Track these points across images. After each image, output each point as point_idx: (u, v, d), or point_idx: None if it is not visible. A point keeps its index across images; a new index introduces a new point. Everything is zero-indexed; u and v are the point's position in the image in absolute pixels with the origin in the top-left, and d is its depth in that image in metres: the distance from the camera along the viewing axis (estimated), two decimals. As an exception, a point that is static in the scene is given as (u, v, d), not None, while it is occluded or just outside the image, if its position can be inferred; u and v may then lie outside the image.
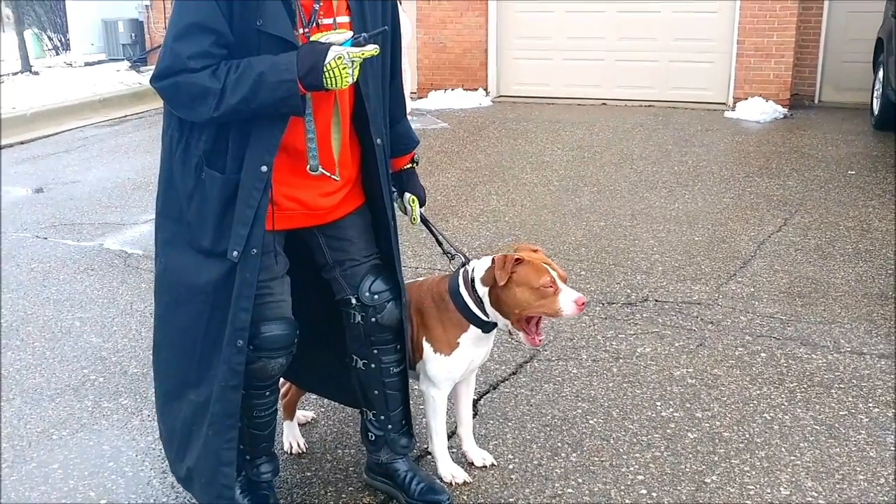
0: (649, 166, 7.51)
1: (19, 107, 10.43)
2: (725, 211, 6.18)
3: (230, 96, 2.19)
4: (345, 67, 2.20)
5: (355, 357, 2.71)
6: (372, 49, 2.24)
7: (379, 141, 2.53)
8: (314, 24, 2.31)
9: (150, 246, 5.49)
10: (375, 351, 2.67)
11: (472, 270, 2.73)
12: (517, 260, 2.60)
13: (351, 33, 2.29)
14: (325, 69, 2.18)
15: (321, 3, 2.32)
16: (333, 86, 2.22)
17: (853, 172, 7.20)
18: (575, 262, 5.15)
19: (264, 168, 2.31)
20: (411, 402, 2.86)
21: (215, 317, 2.41)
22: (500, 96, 11.54)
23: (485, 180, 7.18)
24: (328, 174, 2.43)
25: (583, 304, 2.57)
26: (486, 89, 11.38)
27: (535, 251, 2.71)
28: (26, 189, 7.30)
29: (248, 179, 2.31)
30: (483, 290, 2.67)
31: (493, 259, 2.66)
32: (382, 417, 2.75)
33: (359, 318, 2.63)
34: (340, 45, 2.23)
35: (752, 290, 4.68)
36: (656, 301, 4.54)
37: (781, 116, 9.75)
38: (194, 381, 2.49)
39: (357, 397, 2.81)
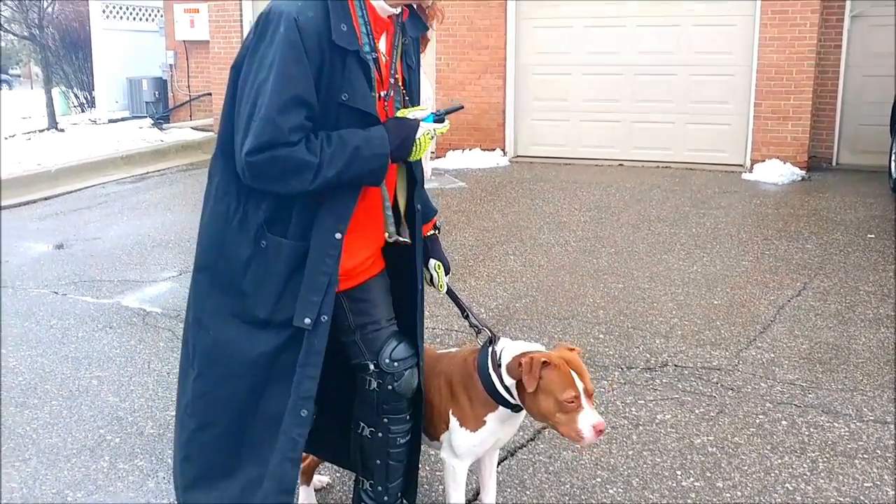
0: (667, 228, 7.52)
1: (44, 163, 10.60)
2: (744, 274, 6.15)
3: (326, 170, 2.19)
4: (428, 141, 2.34)
5: (362, 424, 2.60)
6: (446, 125, 2.38)
7: (419, 206, 2.56)
8: (391, 96, 2.37)
9: (168, 304, 5.59)
10: (386, 420, 2.57)
11: (500, 353, 2.64)
12: (545, 363, 2.50)
13: (430, 110, 2.39)
14: (414, 144, 2.32)
15: (395, 79, 2.38)
16: (415, 157, 2.36)
17: (872, 236, 7.17)
18: (593, 324, 5.13)
19: (338, 235, 2.31)
20: (428, 468, 2.83)
21: (272, 390, 2.36)
22: (518, 156, 11.62)
23: (502, 240, 7.20)
24: (402, 239, 2.46)
25: (601, 431, 2.46)
26: (503, 149, 11.47)
27: (571, 350, 2.63)
28: (48, 245, 7.38)
29: (320, 246, 2.29)
30: (510, 381, 2.59)
31: (521, 362, 2.53)
32: (380, 488, 2.64)
33: (374, 384, 2.55)
34: (423, 120, 2.35)
35: (773, 355, 4.64)
36: (676, 366, 4.50)
37: (799, 179, 9.76)
38: (247, 457, 2.40)
39: (355, 464, 2.70)
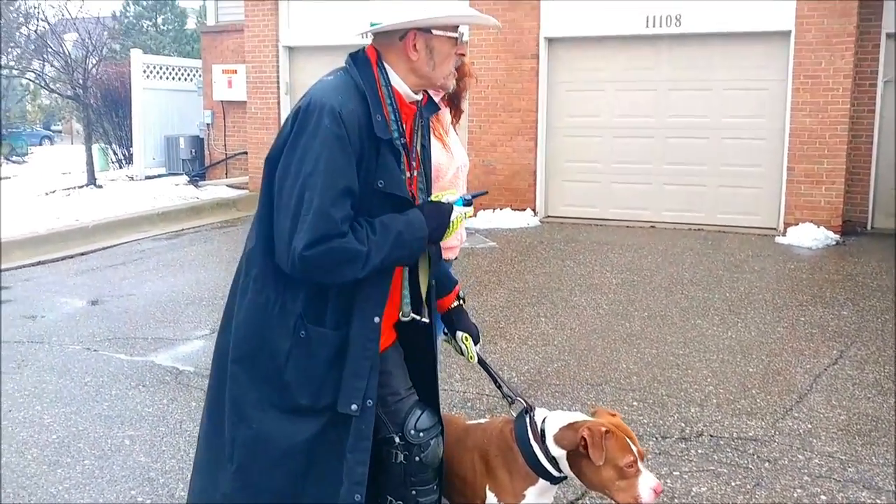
0: (700, 292, 7.46)
1: (82, 218, 10.79)
2: (779, 341, 6.07)
3: (374, 257, 2.22)
4: (460, 223, 2.43)
5: (390, 498, 2.55)
6: (472, 209, 2.49)
7: (433, 282, 2.59)
8: (415, 176, 2.44)
9: (200, 363, 5.62)
10: (414, 492, 2.52)
11: (543, 423, 2.61)
12: (606, 432, 2.48)
13: (458, 193, 2.48)
14: (449, 226, 2.40)
15: (414, 160, 2.43)
16: (447, 238, 2.42)
17: (910, 303, 7.08)
18: (627, 391, 5.07)
19: (377, 319, 2.33)
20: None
21: (313, 473, 2.36)
22: (548, 217, 11.65)
23: (533, 302, 7.18)
24: (418, 318, 2.48)
25: (659, 492, 2.46)
26: (534, 210, 11.52)
27: (613, 415, 2.62)
28: (83, 301, 7.47)
29: (361, 332, 2.31)
30: (559, 452, 2.55)
31: (583, 435, 2.49)
32: None
33: (401, 457, 2.51)
34: (454, 203, 2.43)
35: (810, 426, 4.55)
36: (711, 436, 4.42)
37: (833, 243, 9.68)
38: None
39: None
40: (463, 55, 2.50)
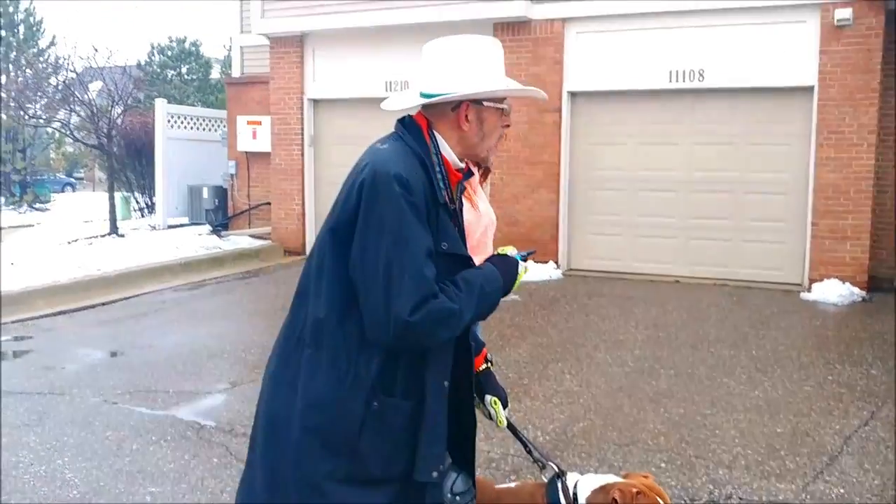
0: (726, 349, 7.37)
1: (104, 268, 10.84)
2: (808, 401, 5.96)
3: (466, 314, 2.25)
4: (522, 276, 2.46)
5: None
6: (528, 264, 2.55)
7: (472, 342, 2.56)
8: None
9: (222, 418, 5.58)
10: None
11: (575, 487, 2.59)
12: (638, 493, 2.47)
13: (515, 249, 2.50)
14: (516, 278, 2.44)
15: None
16: (513, 291, 2.45)
17: (941, 362, 6.95)
18: (654, 452, 4.98)
19: (446, 383, 2.35)
20: None
21: None
22: (571, 269, 11.61)
23: (557, 357, 7.11)
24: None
25: None
26: (556, 262, 11.47)
27: (645, 476, 2.59)
28: (105, 352, 7.47)
29: (435, 398, 2.32)
30: None
31: (614, 497, 2.48)
32: None
33: None
34: (515, 258, 2.48)
35: (842, 490, 4.44)
36: (740, 499, 4.33)
37: (860, 299, 9.57)
38: None
39: None
40: (508, 126, 2.52)
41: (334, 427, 2.29)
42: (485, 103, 2.38)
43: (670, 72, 10.80)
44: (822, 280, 9.95)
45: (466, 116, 2.36)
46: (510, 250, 2.49)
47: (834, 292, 9.57)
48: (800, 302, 9.53)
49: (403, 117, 2.45)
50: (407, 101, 2.45)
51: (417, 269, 2.16)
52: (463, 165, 2.45)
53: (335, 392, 2.28)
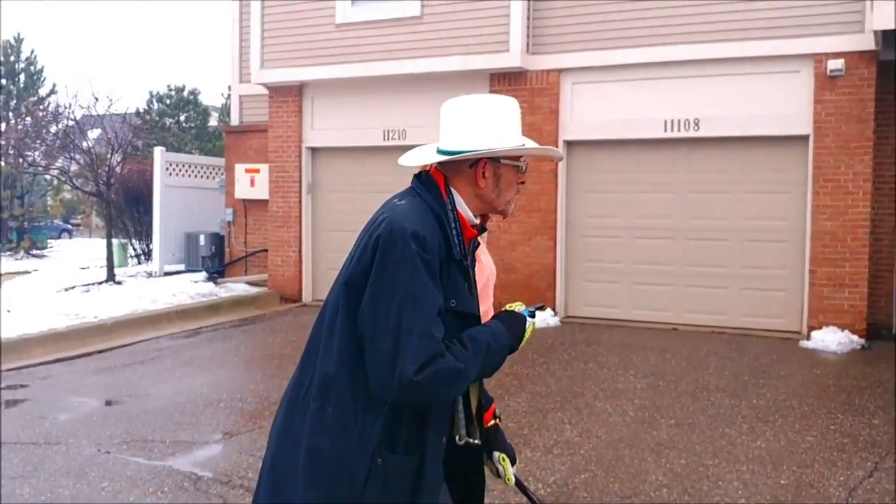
0: (727, 399, 7.32)
1: (101, 315, 10.79)
2: (810, 451, 5.92)
3: (471, 372, 2.25)
4: (531, 332, 2.48)
5: None
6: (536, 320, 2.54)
7: (483, 402, 2.57)
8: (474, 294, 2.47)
9: (219, 468, 5.52)
10: None
11: None
12: None
13: (524, 305, 2.52)
14: (525, 335, 2.45)
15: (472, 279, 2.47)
16: (521, 347, 2.46)
17: (943, 411, 6.91)
18: (657, 504, 4.92)
19: (444, 439, 2.37)
20: None
21: None
22: (569, 317, 11.58)
23: (557, 407, 7.06)
24: (472, 440, 2.46)
25: None
26: (554, 309, 11.45)
27: None
28: (100, 401, 7.40)
29: (434, 454, 2.33)
30: None
31: None
32: None
33: None
34: (524, 314, 2.49)
35: (850, 544, 4.38)
36: (747, 553, 4.26)
37: (859, 347, 9.55)
38: None
39: None
40: (523, 183, 2.55)
41: (337, 484, 2.28)
42: (502, 161, 2.41)
43: (665, 121, 10.90)
44: (820, 328, 9.93)
45: (484, 173, 2.40)
46: (518, 307, 2.50)
47: (833, 340, 9.55)
48: (799, 350, 9.50)
49: (420, 173, 2.47)
50: (425, 158, 2.47)
51: (426, 329, 2.16)
52: (478, 221, 2.47)
53: (340, 449, 2.27)
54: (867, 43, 9.68)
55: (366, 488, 2.26)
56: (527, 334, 2.46)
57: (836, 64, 9.88)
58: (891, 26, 9.06)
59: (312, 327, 2.40)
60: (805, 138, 10.24)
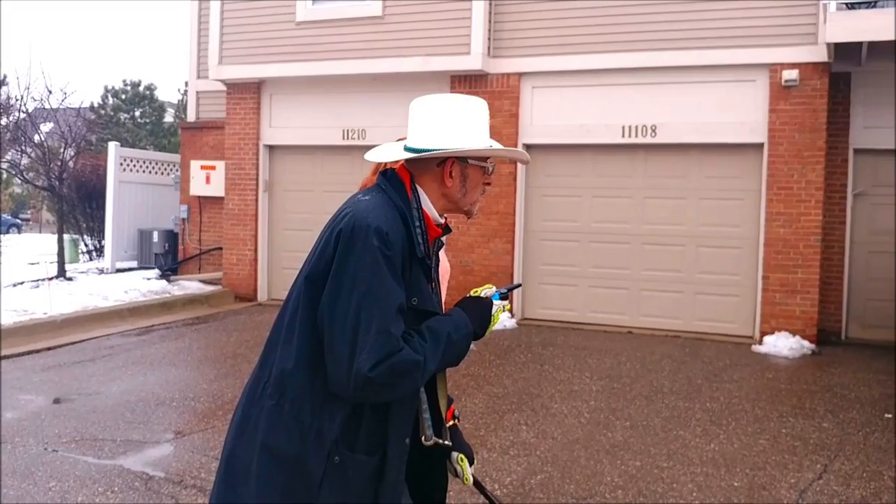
0: (681, 401, 7.39)
1: (50, 312, 10.58)
2: (763, 454, 5.99)
3: (430, 363, 2.22)
4: (499, 317, 2.47)
5: None
6: (507, 301, 2.51)
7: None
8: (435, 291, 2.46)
9: (171, 468, 5.43)
10: None
11: None
12: None
13: (494, 288, 2.51)
14: (490, 319, 2.44)
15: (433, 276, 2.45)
16: (489, 332, 2.44)
17: (889, 416, 7.05)
18: (612, 505, 4.95)
19: (407, 440, 2.34)
20: None
21: None
22: (526, 319, 11.62)
23: (513, 408, 7.06)
24: (441, 441, 2.44)
25: None
26: (511, 312, 11.48)
27: None
28: (49, 399, 7.24)
29: (395, 455, 2.29)
30: None
31: None
32: None
33: None
34: (491, 297, 2.48)
35: (801, 545, 4.44)
36: (700, 554, 4.30)
37: (809, 353, 9.71)
38: None
39: None
40: (489, 184, 2.54)
41: (293, 482, 2.24)
42: (469, 161, 2.41)
43: (623, 127, 10.99)
44: (773, 333, 10.09)
45: (451, 173, 2.39)
46: (486, 290, 2.49)
47: (785, 345, 9.70)
48: (752, 354, 9.63)
49: (386, 170, 2.45)
50: (392, 155, 2.45)
51: (384, 326, 2.14)
52: (443, 221, 2.46)
53: (296, 447, 2.24)
54: (820, 55, 9.86)
55: (322, 488, 2.23)
56: (494, 319, 2.45)
57: (790, 74, 10.05)
58: (842, 39, 9.24)
59: (273, 326, 2.37)
60: (760, 146, 10.40)
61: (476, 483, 2.70)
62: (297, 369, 2.25)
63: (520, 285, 2.78)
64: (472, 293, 2.49)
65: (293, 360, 2.25)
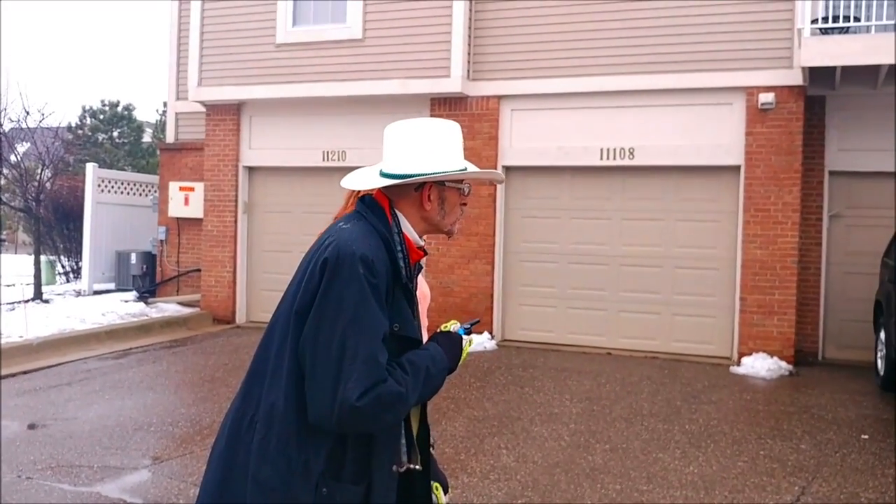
0: (660, 424, 7.41)
1: (27, 335, 10.47)
2: (741, 476, 6.02)
3: (411, 396, 2.22)
4: (468, 350, 2.51)
5: None
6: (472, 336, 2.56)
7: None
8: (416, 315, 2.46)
9: (149, 495, 5.38)
10: None
11: None
12: None
13: (458, 323, 2.54)
14: (462, 355, 2.48)
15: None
16: (459, 366, 2.47)
17: (866, 437, 7.10)
18: (592, 530, 4.95)
19: (395, 468, 2.33)
20: None
21: None
22: (505, 340, 11.63)
23: (493, 432, 7.06)
24: (413, 466, 2.43)
25: None
26: (491, 333, 11.49)
27: None
28: (24, 424, 7.15)
29: (382, 482, 2.29)
30: None
31: None
32: None
33: None
34: (459, 332, 2.51)
35: (780, 568, 4.45)
36: (680, 579, 4.30)
37: (787, 373, 9.78)
38: None
39: None
40: (465, 205, 2.56)
41: None
42: (447, 184, 2.43)
43: (602, 149, 11.07)
44: (750, 354, 10.15)
45: (429, 196, 2.41)
46: (453, 325, 2.52)
47: (763, 366, 9.76)
48: (730, 375, 9.68)
49: (363, 196, 2.46)
50: (369, 182, 2.46)
51: (371, 354, 2.14)
52: (423, 243, 2.48)
53: (284, 480, 2.23)
54: (796, 78, 10.00)
55: None
56: (464, 354, 2.48)
57: (766, 97, 10.18)
58: (817, 63, 9.38)
59: (255, 355, 2.36)
60: (737, 169, 10.51)
61: None
62: (286, 403, 2.23)
63: (478, 321, 2.79)
64: (442, 328, 2.51)
65: (282, 395, 2.24)
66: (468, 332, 2.54)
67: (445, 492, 2.71)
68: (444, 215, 2.46)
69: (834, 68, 9.66)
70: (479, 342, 11.10)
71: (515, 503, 5.37)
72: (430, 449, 2.75)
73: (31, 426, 7.10)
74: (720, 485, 5.81)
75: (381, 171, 2.45)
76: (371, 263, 2.20)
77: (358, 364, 2.12)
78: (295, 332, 2.24)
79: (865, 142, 10.57)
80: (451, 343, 2.45)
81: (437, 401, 7.93)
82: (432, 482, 2.69)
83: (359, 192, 2.74)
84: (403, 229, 2.39)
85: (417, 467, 2.45)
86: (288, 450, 2.23)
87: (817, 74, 9.92)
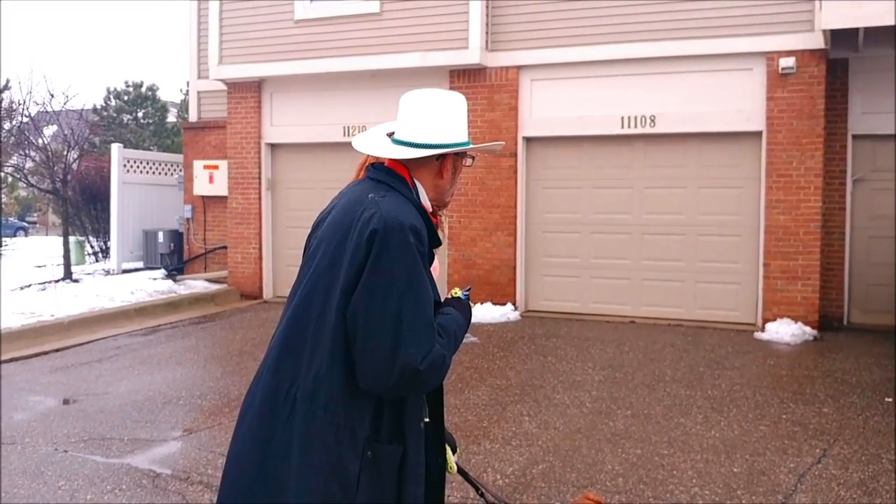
0: (682, 389, 7.45)
1: (58, 314, 10.68)
2: (763, 440, 6.05)
3: (449, 357, 2.29)
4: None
5: None
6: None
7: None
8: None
9: (178, 466, 5.52)
10: None
11: None
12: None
13: (460, 290, 2.62)
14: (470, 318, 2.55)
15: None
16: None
17: (890, 399, 7.10)
18: (613, 493, 5.02)
19: (422, 424, 2.38)
20: None
21: None
22: (529, 311, 11.69)
23: (516, 399, 7.13)
24: (427, 420, 2.49)
25: None
26: (514, 304, 11.55)
27: (598, 502, 2.65)
28: (57, 399, 7.33)
29: (414, 438, 2.34)
30: None
31: None
32: None
33: None
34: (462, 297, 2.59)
35: (799, 528, 4.50)
36: (699, 539, 4.36)
37: (811, 339, 9.76)
38: None
39: None
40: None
41: (332, 483, 2.24)
42: (461, 155, 2.52)
43: (622, 118, 11.03)
44: (774, 320, 10.13)
45: (447, 167, 2.48)
46: (459, 292, 2.60)
47: (787, 332, 9.74)
48: (754, 341, 9.68)
49: (379, 165, 2.47)
50: (403, 151, 2.43)
51: (428, 320, 2.22)
52: (431, 209, 2.54)
53: (333, 449, 2.25)
54: (817, 42, 9.89)
55: (358, 487, 2.25)
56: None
57: (787, 62, 10.08)
58: (838, 26, 9.27)
59: (281, 331, 2.36)
60: (758, 134, 10.43)
61: (460, 471, 2.77)
62: (334, 372, 2.25)
63: (470, 288, 2.83)
64: (452, 294, 2.58)
65: (326, 365, 2.26)
66: (468, 299, 2.62)
67: (454, 452, 2.77)
68: (451, 184, 2.53)
69: (856, 30, 9.54)
70: (502, 313, 11.17)
71: (536, 468, 5.45)
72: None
73: (65, 401, 7.28)
74: (741, 448, 5.85)
75: (400, 139, 2.44)
76: (419, 232, 2.27)
77: (419, 328, 2.18)
78: (340, 305, 2.24)
79: (889, 104, 10.44)
80: (463, 307, 2.52)
81: (460, 370, 8.02)
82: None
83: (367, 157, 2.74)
84: (422, 199, 2.44)
85: (426, 420, 2.50)
86: (335, 419, 2.25)
87: (839, 37, 9.81)
